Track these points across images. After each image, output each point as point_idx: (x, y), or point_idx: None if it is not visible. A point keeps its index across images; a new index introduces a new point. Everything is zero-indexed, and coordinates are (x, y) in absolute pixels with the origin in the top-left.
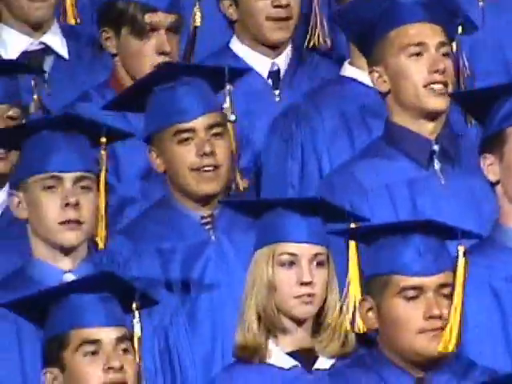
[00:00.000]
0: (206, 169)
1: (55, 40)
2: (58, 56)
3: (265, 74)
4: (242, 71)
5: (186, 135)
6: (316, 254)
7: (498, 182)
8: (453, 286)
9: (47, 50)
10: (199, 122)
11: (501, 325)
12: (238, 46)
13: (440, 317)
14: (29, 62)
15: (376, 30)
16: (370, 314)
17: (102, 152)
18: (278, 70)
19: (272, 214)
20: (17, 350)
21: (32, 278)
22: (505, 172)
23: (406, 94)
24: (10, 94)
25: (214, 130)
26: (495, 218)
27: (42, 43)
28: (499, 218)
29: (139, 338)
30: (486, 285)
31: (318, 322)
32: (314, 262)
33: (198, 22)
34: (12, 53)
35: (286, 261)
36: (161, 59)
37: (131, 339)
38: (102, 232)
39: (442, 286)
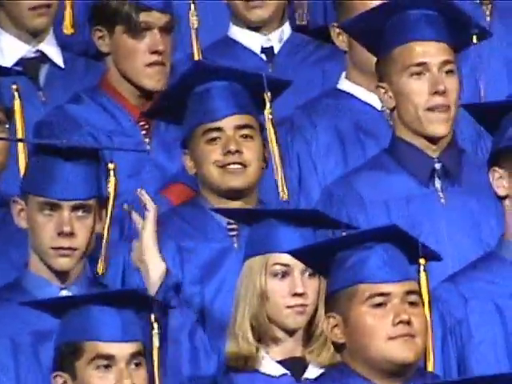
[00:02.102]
0: (232, 166)
1: (51, 49)
2: (54, 64)
3: (258, 51)
4: (283, 83)
5: (213, 134)
6: None
7: (506, 197)
8: (421, 297)
9: (43, 58)
10: (228, 122)
11: (504, 341)
12: (233, 31)
13: (408, 322)
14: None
15: (381, 45)
16: (336, 329)
17: (112, 178)
18: (272, 47)
19: (265, 223)
20: (12, 365)
21: (28, 291)
22: None
23: (407, 115)
24: None
25: (243, 132)
26: (500, 234)
27: (38, 51)
28: (505, 233)
29: (158, 349)
30: (489, 301)
31: (308, 332)
32: (306, 273)
33: (195, 25)
34: (9, 59)
35: (279, 271)
36: (153, 58)
37: (145, 352)
38: (104, 259)
39: (409, 292)
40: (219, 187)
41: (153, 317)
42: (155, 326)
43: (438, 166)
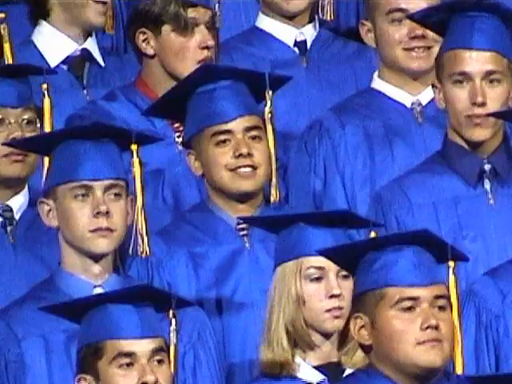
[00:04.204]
0: (243, 169)
1: (95, 47)
2: (96, 63)
3: (291, 44)
4: (284, 78)
5: (223, 137)
6: None
7: None
8: (449, 301)
9: (88, 56)
10: (237, 124)
11: None
12: (264, 22)
13: (436, 327)
14: (31, 65)
15: (441, 45)
16: (363, 331)
17: (135, 159)
18: (305, 41)
19: (294, 228)
20: (45, 364)
21: (62, 290)
22: None
23: (451, 119)
24: (23, 97)
25: (252, 133)
26: None
27: (84, 49)
28: None
29: (176, 346)
30: None
31: (342, 334)
32: (341, 274)
33: (218, 24)
34: (56, 57)
35: (314, 274)
36: (204, 54)
37: (167, 349)
38: (144, 239)
39: (438, 297)
40: (230, 190)
41: (171, 313)
42: (173, 321)
43: (487, 167)
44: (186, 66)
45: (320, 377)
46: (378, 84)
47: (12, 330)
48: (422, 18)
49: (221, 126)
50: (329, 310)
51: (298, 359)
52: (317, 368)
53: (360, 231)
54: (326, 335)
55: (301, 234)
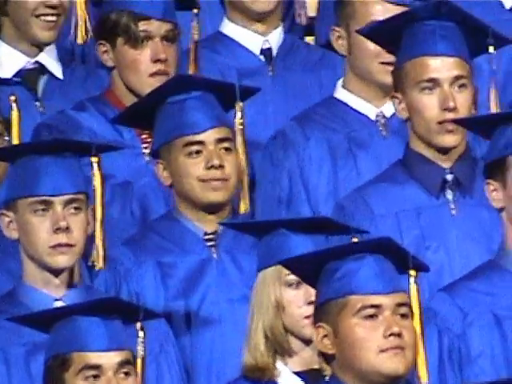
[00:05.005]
0: (214, 182)
1: (50, 60)
2: (52, 75)
3: (257, 52)
4: (253, 90)
5: (195, 148)
6: None
7: (502, 209)
8: (411, 310)
9: (42, 69)
10: (209, 135)
11: (503, 354)
12: (229, 28)
13: (399, 335)
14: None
15: (397, 55)
16: (326, 340)
17: (95, 171)
18: (270, 48)
19: (275, 234)
20: (6, 376)
21: (23, 303)
22: (508, 199)
23: (419, 127)
24: None
25: (224, 144)
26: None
27: (37, 62)
28: (503, 243)
29: (143, 358)
30: (489, 313)
31: None
32: None
33: (196, 37)
34: (8, 70)
35: (293, 281)
36: (157, 67)
37: (135, 361)
38: (100, 251)
39: (400, 305)
40: (200, 201)
41: (139, 325)
42: (140, 334)
43: (449, 177)
44: (139, 79)
45: (300, 383)
46: (341, 94)
47: None
48: (369, 33)
49: (193, 136)
50: (308, 317)
51: (279, 365)
52: (297, 374)
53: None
54: (306, 341)
55: (282, 241)
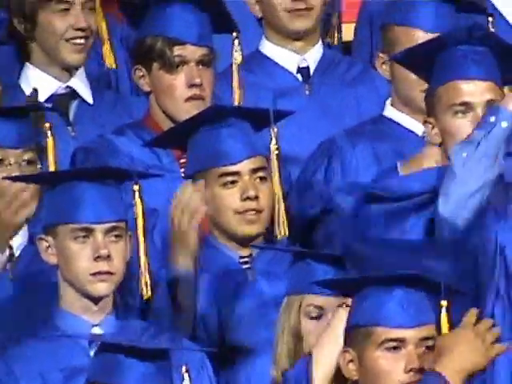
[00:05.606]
0: (249, 213)
1: (81, 84)
2: (83, 100)
3: (294, 70)
4: (286, 113)
5: (230, 178)
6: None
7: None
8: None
9: (73, 94)
10: (244, 166)
11: None
12: (267, 47)
13: (420, 370)
14: (27, 105)
15: (430, 81)
16: (351, 365)
17: (137, 199)
18: (308, 67)
19: (303, 264)
20: None
21: (60, 328)
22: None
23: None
24: (23, 137)
25: (259, 174)
26: None
27: (68, 87)
28: None
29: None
30: None
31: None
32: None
33: (238, 60)
34: (40, 96)
35: (313, 313)
36: (192, 92)
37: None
38: (146, 280)
39: (424, 339)
40: (235, 234)
41: (183, 368)
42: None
43: None
44: (175, 104)
45: None
46: (389, 112)
47: (10, 368)
48: (403, 59)
49: (228, 167)
50: None
51: None
52: None
53: None
54: None
55: (307, 271)
